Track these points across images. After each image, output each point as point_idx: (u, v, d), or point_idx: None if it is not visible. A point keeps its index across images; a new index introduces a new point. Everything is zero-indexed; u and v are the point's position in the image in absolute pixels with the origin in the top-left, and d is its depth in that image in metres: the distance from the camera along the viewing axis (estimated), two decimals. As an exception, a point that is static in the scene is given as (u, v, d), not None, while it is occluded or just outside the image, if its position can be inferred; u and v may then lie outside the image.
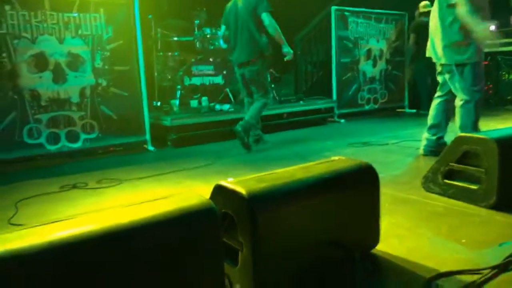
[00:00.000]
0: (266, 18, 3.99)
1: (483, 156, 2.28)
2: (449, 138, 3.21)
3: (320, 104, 6.20)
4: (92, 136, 4.27)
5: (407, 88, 7.23)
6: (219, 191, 1.50)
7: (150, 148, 4.52)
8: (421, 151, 3.66)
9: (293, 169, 1.61)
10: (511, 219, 2.08)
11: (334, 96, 6.35)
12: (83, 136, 4.21)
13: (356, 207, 1.59)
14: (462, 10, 3.07)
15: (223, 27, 4.46)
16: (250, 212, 1.37)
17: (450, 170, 2.46)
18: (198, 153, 4.23)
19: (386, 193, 1.94)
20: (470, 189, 2.35)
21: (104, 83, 4.31)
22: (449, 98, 3.50)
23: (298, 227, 1.47)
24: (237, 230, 1.43)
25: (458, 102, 3.37)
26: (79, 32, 4.11)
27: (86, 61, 4.18)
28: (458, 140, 2.45)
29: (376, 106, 6.88)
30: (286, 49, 4.14)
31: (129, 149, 4.50)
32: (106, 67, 4.30)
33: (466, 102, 3.29)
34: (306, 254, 1.51)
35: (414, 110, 7.00)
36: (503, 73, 7.06)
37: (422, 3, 6.41)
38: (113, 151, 4.45)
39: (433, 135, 3.59)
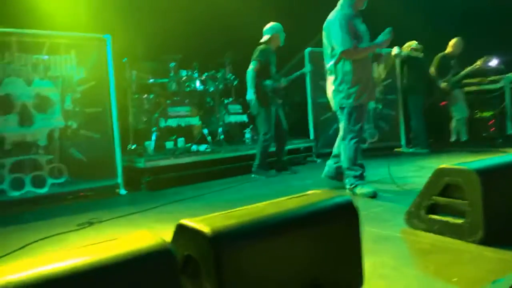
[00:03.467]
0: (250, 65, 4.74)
1: (466, 188, 2.19)
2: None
3: (297, 143, 6.14)
4: (61, 180, 4.05)
5: (403, 126, 6.96)
6: (181, 231, 1.34)
7: (122, 191, 4.30)
8: (323, 175, 3.97)
9: (263, 205, 1.46)
10: (501, 254, 1.95)
11: (312, 136, 6.31)
12: (50, 181, 3.98)
13: (336, 245, 1.44)
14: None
15: None
16: (214, 253, 1.20)
17: (434, 204, 2.35)
18: (173, 196, 4.02)
19: (368, 231, 1.81)
20: (456, 224, 2.23)
21: (74, 125, 4.15)
22: None
23: (271, 269, 1.29)
24: (202, 275, 1.25)
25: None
26: (48, 74, 4.00)
27: (55, 103, 4.05)
28: (438, 173, 2.35)
29: (365, 146, 6.70)
30: (247, 96, 4.74)
31: (100, 193, 4.26)
32: (77, 109, 4.17)
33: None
34: (281, 301, 1.33)
35: (411, 150, 6.66)
36: (476, 111, 7.17)
37: (409, 42, 6.58)
38: (83, 196, 4.21)
39: (334, 163, 3.87)
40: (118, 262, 1.00)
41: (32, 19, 4.42)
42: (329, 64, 3.66)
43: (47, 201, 3.95)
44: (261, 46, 4.80)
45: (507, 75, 6.79)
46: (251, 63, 4.71)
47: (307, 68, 5.36)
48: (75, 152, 4.15)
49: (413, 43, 6.56)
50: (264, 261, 1.28)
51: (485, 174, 2.14)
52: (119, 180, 4.33)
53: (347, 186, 3.61)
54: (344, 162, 3.61)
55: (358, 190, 3.49)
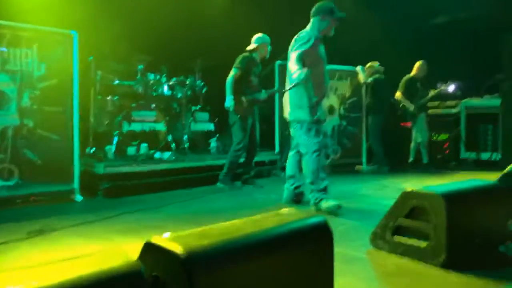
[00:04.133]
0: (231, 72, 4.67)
1: (431, 212, 2.23)
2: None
3: (263, 156, 6.12)
4: (10, 183, 3.77)
5: (365, 144, 7.07)
6: (150, 250, 1.25)
7: (78, 198, 4.07)
8: (283, 201, 3.87)
9: (240, 223, 1.40)
10: (463, 278, 2.00)
11: (277, 149, 6.33)
12: (-2, 183, 3.70)
13: (311, 267, 1.40)
14: None
15: None
16: (187, 276, 1.12)
17: (399, 226, 2.38)
18: (132, 205, 3.85)
19: (334, 251, 1.80)
20: (420, 247, 2.27)
21: (31, 124, 3.89)
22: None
23: (244, 294, 1.23)
24: (170, 298, 1.17)
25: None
26: (6, 67, 3.75)
27: (11, 99, 3.79)
28: (405, 195, 2.39)
29: (328, 162, 6.71)
30: (226, 102, 4.64)
31: (53, 198, 4.01)
32: (35, 106, 3.92)
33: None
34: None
35: (372, 167, 6.76)
36: (433, 134, 7.48)
37: (371, 63, 6.82)
38: (34, 200, 3.94)
39: (291, 185, 3.87)
40: (84, 285, 0.91)
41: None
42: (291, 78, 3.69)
43: (-6, 204, 3.67)
44: (244, 54, 4.77)
45: (463, 100, 7.16)
46: (232, 70, 4.66)
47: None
48: (29, 153, 3.90)
49: (376, 64, 6.79)
50: (239, 284, 1.21)
51: (451, 198, 2.20)
52: (75, 185, 4.09)
53: (312, 201, 3.61)
54: (308, 176, 3.63)
55: (324, 204, 3.50)
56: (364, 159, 7.07)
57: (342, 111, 6.91)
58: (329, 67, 6.64)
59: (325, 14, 3.65)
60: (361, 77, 6.69)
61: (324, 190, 3.58)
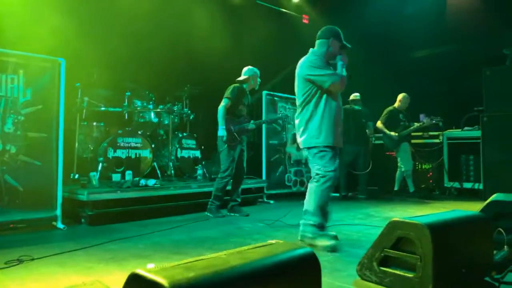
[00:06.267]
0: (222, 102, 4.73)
1: (417, 242, 2.24)
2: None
3: (250, 183, 6.10)
4: (-11, 210, 3.66)
5: None
6: (135, 282, 1.22)
7: (60, 225, 3.96)
8: (299, 237, 3.37)
9: (225, 255, 1.39)
10: (450, 311, 1.99)
11: (264, 176, 6.33)
12: (-24, 210, 3.59)
13: (298, 301, 1.38)
14: None
15: None
16: (172, 310, 1.10)
17: (386, 256, 2.38)
18: (116, 233, 3.77)
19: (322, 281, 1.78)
20: (406, 278, 2.26)
21: (13, 150, 3.83)
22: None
23: (231, 328, 1.21)
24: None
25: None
26: (-9, 93, 3.72)
27: (-6, 124, 3.73)
28: (391, 225, 2.40)
29: (303, 189, 6.85)
30: (219, 131, 4.67)
31: (33, 226, 3.90)
32: (18, 132, 3.87)
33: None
34: None
35: (337, 194, 6.99)
36: (417, 163, 7.60)
37: (354, 94, 7.03)
38: (13, 228, 3.82)
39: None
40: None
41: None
42: (303, 104, 3.42)
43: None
44: (235, 84, 4.85)
45: (445, 131, 7.34)
46: (223, 100, 4.73)
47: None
48: (9, 179, 3.81)
49: (357, 95, 7.00)
50: (225, 319, 1.19)
51: (437, 229, 2.21)
52: (58, 212, 3.99)
53: (307, 234, 3.28)
54: (310, 206, 3.28)
55: (319, 242, 3.21)
56: None
57: None
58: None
59: (333, 38, 3.44)
60: None
61: (321, 227, 3.27)
